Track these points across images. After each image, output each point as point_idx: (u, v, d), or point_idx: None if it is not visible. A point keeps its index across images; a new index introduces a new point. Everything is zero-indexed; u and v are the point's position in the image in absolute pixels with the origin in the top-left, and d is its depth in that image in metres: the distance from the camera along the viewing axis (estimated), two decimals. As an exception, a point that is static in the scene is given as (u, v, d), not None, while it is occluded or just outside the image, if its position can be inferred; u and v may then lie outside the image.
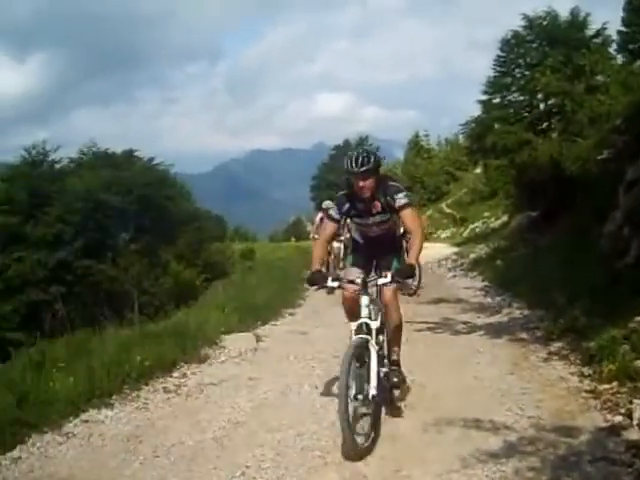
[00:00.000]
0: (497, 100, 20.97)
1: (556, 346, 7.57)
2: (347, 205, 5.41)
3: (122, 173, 30.22)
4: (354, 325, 4.99)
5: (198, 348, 8.11)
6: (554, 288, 9.54)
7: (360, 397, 4.69)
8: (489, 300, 12.02)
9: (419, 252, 5.18)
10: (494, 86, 20.81)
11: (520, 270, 13.25)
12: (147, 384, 6.74)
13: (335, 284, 5.26)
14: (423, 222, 14.98)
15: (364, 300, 5.09)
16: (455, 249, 23.44)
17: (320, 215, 12.00)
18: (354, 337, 4.89)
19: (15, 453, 4.95)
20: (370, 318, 5.07)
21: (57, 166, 30.98)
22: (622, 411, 5.11)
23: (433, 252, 17.97)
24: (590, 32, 20.23)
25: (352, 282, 5.20)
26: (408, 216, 5.26)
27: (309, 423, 5.41)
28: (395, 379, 5.52)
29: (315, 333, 9.50)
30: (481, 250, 19.98)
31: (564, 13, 20.36)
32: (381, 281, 5.10)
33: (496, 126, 20.34)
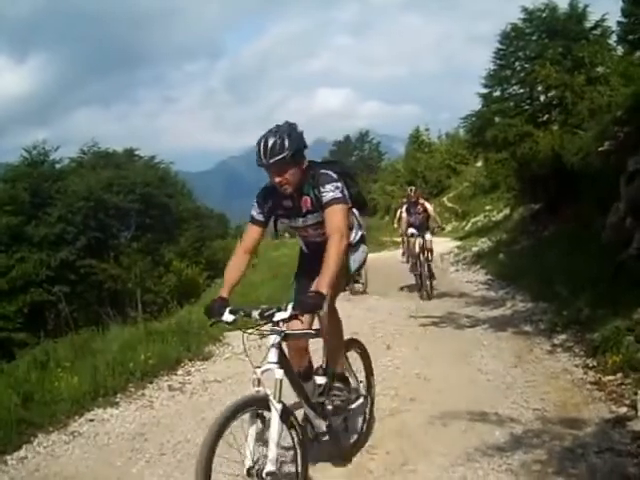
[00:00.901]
0: (497, 93, 20.92)
1: (560, 338, 7.57)
2: (270, 202, 4.13)
3: (123, 172, 30.38)
4: (258, 372, 3.71)
5: (202, 345, 8.11)
6: (557, 280, 9.54)
7: (253, 472, 3.40)
8: (492, 293, 12.01)
9: (334, 272, 3.71)
10: (494, 79, 20.77)
11: (523, 263, 13.23)
12: (152, 382, 6.75)
13: (231, 318, 3.83)
14: (437, 217, 13.98)
15: (270, 339, 3.81)
16: (457, 243, 23.42)
17: None
18: (252, 389, 3.70)
19: (21, 453, 4.97)
20: (279, 363, 3.77)
21: (58, 166, 31.17)
22: (627, 402, 5.10)
23: (435, 246, 17.97)
24: (589, 24, 20.19)
25: (249, 315, 3.82)
26: (331, 216, 3.88)
27: (314, 419, 5.40)
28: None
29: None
30: (483, 243, 19.96)
31: (563, 5, 20.36)
32: (278, 317, 3.77)
33: (496, 119, 20.31)
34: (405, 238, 14.19)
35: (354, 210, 4.37)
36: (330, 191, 3.91)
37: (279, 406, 3.60)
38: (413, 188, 14.26)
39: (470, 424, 5.03)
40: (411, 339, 8.39)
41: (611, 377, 5.76)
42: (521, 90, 20.57)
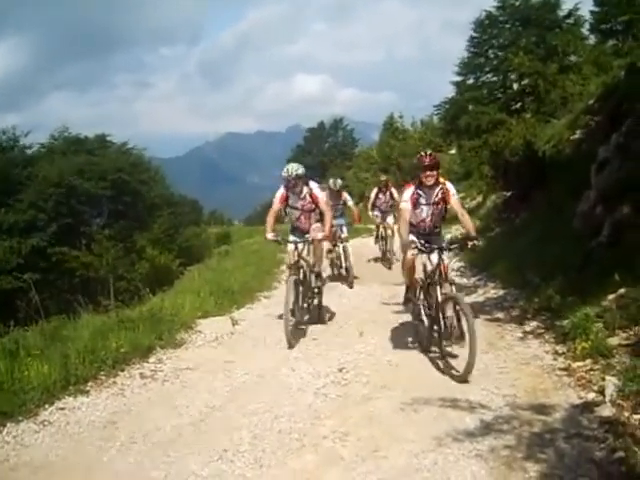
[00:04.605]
0: (471, 81, 21.05)
1: (531, 325, 7.65)
2: None
3: (94, 158, 29.97)
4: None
5: (174, 333, 8.06)
6: (529, 268, 9.60)
7: None
8: (465, 280, 12.05)
9: None
10: (468, 67, 20.88)
11: (495, 250, 13.28)
12: (123, 370, 6.69)
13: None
14: (468, 218, 7.61)
15: None
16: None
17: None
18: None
19: (-10, 442, 4.90)
20: None
21: (28, 152, 30.63)
22: (595, 388, 5.18)
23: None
24: (563, 12, 20.38)
25: None
26: None
27: (286, 406, 5.42)
28: None
29: (291, 316, 9.48)
30: (456, 230, 20.01)
31: (537, -7, 20.49)
32: None
33: (470, 107, 20.43)
34: (380, 241, 13.75)
35: None
36: None
37: None
38: (428, 151, 7.30)
39: (441, 410, 5.07)
40: (384, 326, 8.40)
41: (580, 363, 5.84)
42: (494, 78, 20.72)
